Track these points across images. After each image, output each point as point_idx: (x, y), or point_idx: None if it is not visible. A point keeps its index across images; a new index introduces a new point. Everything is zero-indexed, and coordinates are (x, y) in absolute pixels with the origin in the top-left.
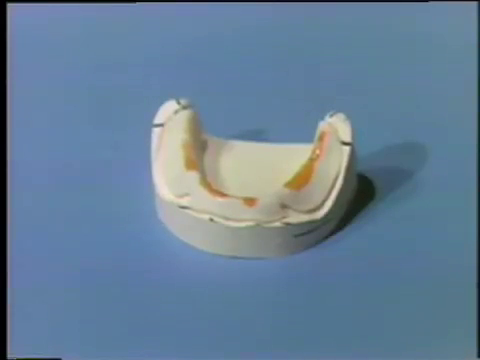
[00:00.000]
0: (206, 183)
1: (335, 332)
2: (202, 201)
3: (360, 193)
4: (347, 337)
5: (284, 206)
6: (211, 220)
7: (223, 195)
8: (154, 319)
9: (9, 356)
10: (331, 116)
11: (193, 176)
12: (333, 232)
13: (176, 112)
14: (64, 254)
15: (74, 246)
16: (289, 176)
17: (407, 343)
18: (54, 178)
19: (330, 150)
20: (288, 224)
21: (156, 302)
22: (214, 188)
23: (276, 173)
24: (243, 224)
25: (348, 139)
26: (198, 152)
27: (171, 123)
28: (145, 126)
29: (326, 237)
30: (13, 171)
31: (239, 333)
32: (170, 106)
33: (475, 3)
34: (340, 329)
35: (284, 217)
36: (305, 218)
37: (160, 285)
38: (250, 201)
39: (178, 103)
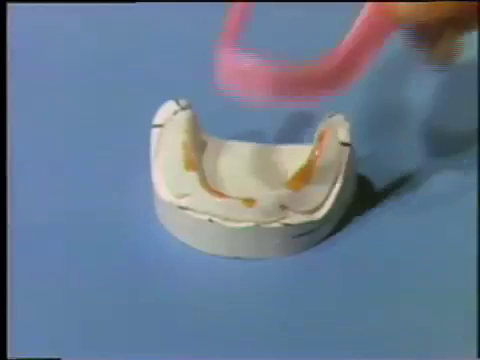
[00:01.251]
0: (205, 184)
1: (334, 332)
2: (201, 202)
3: (359, 194)
4: (347, 337)
5: (283, 207)
6: (210, 221)
7: (222, 196)
8: (153, 319)
9: (9, 356)
10: (330, 117)
11: (192, 176)
12: (332, 233)
13: (175, 113)
14: (63, 254)
15: (73, 246)
16: (288, 177)
17: (407, 343)
18: (53, 178)
19: (329, 151)
20: (287, 225)
21: (155, 302)
22: (213, 189)
23: (275, 174)
24: (242, 225)
25: (347, 140)
26: (197, 153)
27: (170, 124)
28: (144, 127)
29: (325, 238)
30: (12, 171)
31: (238, 333)
32: (169, 107)
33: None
34: (339, 329)
35: (283, 218)
36: (304, 219)
37: (159, 285)
38: (249, 202)
39: (177, 104)
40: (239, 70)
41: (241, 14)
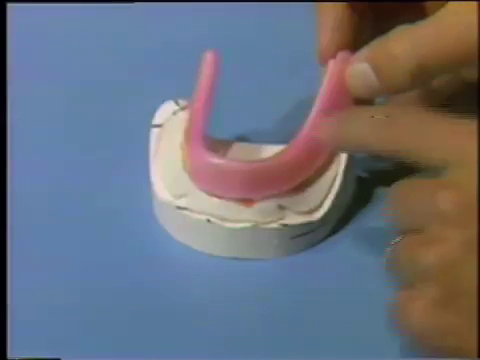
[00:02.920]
0: None
1: (333, 333)
2: (199, 202)
3: (358, 194)
4: (345, 338)
5: (282, 207)
6: (208, 221)
7: (220, 196)
8: (152, 319)
9: (9, 356)
10: None
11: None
12: (331, 233)
13: (175, 113)
14: (63, 254)
15: (72, 246)
16: None
17: (407, 343)
18: (52, 179)
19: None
20: (285, 225)
21: (154, 302)
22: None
23: None
24: (240, 225)
25: None
26: None
27: (170, 124)
28: (143, 127)
29: (324, 238)
30: (12, 171)
31: (236, 334)
32: (169, 107)
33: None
34: (338, 330)
35: (282, 218)
36: (303, 219)
37: (157, 285)
38: (247, 202)
39: (177, 104)
40: (209, 168)
41: (204, 108)
